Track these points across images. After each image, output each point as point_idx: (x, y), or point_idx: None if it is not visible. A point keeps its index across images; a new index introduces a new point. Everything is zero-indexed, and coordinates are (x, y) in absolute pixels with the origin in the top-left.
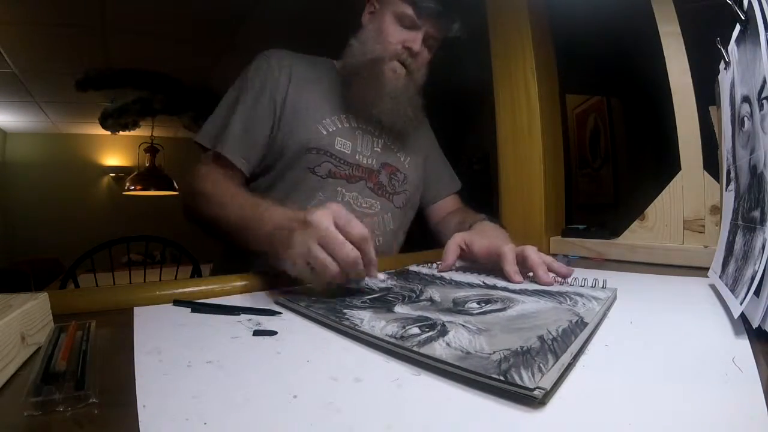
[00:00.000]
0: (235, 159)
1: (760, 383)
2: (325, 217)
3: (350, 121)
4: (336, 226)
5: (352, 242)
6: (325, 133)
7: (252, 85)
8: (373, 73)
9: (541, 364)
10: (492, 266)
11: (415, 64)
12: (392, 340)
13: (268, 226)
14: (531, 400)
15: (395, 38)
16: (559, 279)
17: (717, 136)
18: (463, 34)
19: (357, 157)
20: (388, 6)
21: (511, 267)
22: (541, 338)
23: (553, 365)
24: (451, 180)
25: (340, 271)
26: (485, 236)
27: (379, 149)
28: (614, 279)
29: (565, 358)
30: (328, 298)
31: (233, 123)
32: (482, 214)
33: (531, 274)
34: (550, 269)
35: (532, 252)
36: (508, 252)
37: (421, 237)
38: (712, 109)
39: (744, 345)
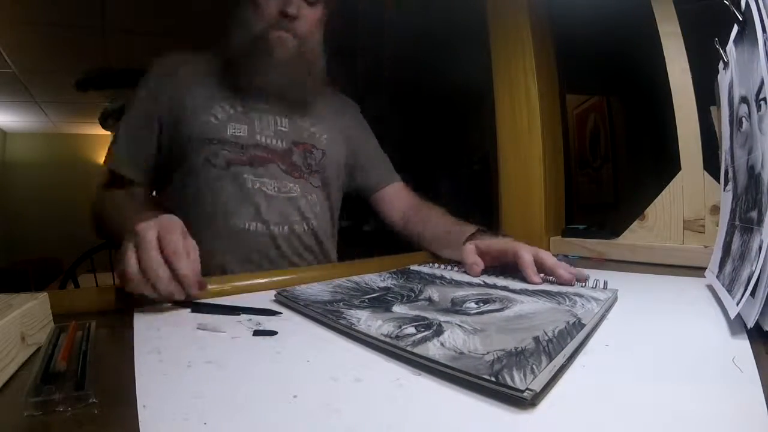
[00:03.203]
0: (124, 170)
1: (760, 383)
2: (149, 227)
3: (243, 104)
4: (159, 236)
5: (163, 254)
6: (216, 122)
7: (139, 93)
8: (259, 49)
9: (534, 366)
10: (504, 267)
11: (300, 27)
12: (387, 340)
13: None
14: (522, 401)
15: (269, 8)
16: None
17: (717, 136)
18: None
19: (257, 138)
20: None
21: (530, 269)
22: (536, 339)
23: (545, 366)
24: (389, 169)
25: (144, 282)
26: (495, 240)
27: (284, 128)
28: (614, 279)
29: (558, 360)
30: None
31: (121, 132)
32: (471, 225)
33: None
34: (551, 272)
35: (546, 256)
36: (526, 254)
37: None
38: (713, 109)
39: (744, 345)
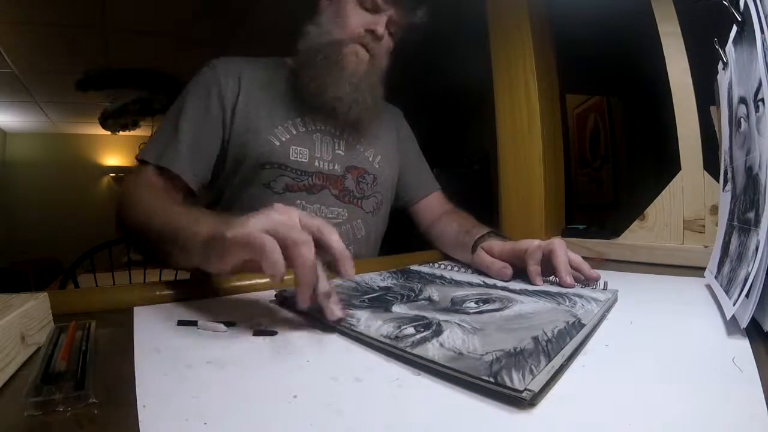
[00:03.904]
0: (184, 173)
1: (760, 383)
2: (293, 210)
3: (306, 124)
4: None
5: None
6: (278, 143)
7: (198, 95)
8: (331, 57)
9: (533, 366)
10: (515, 268)
11: (378, 48)
12: (386, 341)
13: (201, 229)
14: (521, 401)
15: (356, 21)
16: (583, 281)
17: (717, 136)
18: (427, 20)
19: (316, 163)
20: None
21: (534, 267)
22: (535, 339)
23: (544, 367)
24: (431, 179)
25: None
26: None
27: (341, 151)
28: (614, 279)
29: (557, 360)
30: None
31: (181, 134)
32: (486, 227)
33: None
34: (576, 268)
35: (558, 248)
36: (536, 251)
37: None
38: (713, 109)
39: (743, 345)
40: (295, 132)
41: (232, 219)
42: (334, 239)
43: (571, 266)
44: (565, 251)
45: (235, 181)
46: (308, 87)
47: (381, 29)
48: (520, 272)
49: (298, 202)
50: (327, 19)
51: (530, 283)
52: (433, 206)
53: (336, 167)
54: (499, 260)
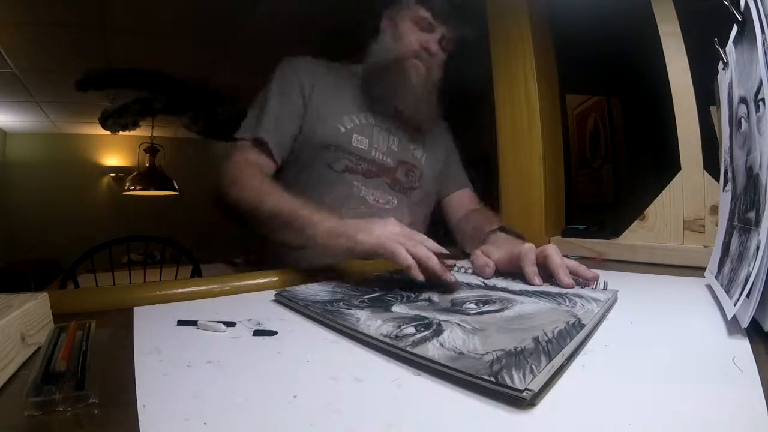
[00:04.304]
0: (272, 142)
1: (760, 383)
2: (397, 225)
3: (368, 118)
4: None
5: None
6: (343, 130)
7: (281, 85)
8: (398, 70)
9: (533, 366)
10: (513, 271)
11: (432, 63)
12: (386, 340)
13: (318, 224)
14: (521, 401)
15: (414, 40)
16: (582, 283)
17: (717, 136)
18: (473, 34)
19: (373, 153)
20: (406, 11)
21: (530, 268)
22: (536, 339)
23: (545, 367)
24: (462, 177)
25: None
26: (501, 246)
27: (395, 147)
28: (614, 279)
29: (557, 360)
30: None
31: (266, 114)
32: (497, 223)
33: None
34: (574, 273)
35: (553, 253)
36: (529, 252)
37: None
38: (713, 109)
39: (743, 345)
40: (358, 123)
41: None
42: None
43: (569, 272)
44: (559, 254)
45: (299, 162)
46: (377, 94)
47: (434, 47)
48: (520, 276)
49: (356, 183)
50: (387, 37)
51: (529, 284)
52: (464, 202)
53: (389, 160)
54: (491, 262)
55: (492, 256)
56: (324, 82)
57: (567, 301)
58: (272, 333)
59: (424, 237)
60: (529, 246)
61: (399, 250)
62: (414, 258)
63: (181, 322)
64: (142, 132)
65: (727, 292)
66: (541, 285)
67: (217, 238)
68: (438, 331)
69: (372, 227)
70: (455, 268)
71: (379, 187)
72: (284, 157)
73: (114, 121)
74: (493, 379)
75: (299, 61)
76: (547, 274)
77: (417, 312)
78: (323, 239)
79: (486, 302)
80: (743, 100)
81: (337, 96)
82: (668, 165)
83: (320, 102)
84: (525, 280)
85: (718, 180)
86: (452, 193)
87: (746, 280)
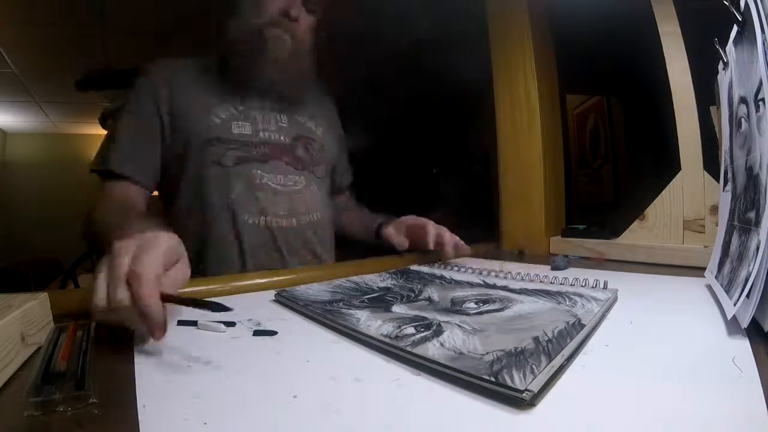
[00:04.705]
0: (128, 171)
1: (760, 383)
2: (127, 244)
3: (243, 103)
4: (134, 257)
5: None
6: (218, 121)
7: (130, 101)
8: (254, 44)
9: (533, 366)
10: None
11: (297, 30)
12: (387, 340)
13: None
14: (521, 401)
15: (272, 6)
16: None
17: (717, 136)
18: None
19: (261, 134)
20: None
21: (431, 238)
22: (536, 339)
23: (545, 367)
24: (347, 176)
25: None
26: (399, 227)
27: (284, 123)
28: (614, 279)
29: (557, 361)
30: (336, 300)
31: (118, 139)
32: (380, 216)
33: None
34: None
35: (444, 230)
36: (431, 227)
37: None
38: (713, 109)
39: (743, 345)
40: (234, 111)
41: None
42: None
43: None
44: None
45: (186, 172)
46: (238, 75)
47: (296, 11)
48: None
49: (255, 171)
50: (242, 8)
51: (531, 282)
52: (342, 198)
53: (282, 138)
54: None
55: (395, 226)
56: (186, 80)
57: (567, 300)
58: (272, 333)
59: (139, 260)
60: (429, 221)
61: (98, 270)
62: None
63: (181, 322)
64: None
65: (727, 292)
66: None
67: None
68: (438, 332)
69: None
70: (455, 268)
71: (280, 170)
72: (149, 178)
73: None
74: (493, 379)
75: (154, 67)
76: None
77: (417, 312)
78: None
79: (486, 301)
80: (743, 100)
81: (202, 92)
82: (668, 165)
83: (184, 102)
84: (525, 279)
85: (718, 180)
86: (342, 188)
87: (746, 280)
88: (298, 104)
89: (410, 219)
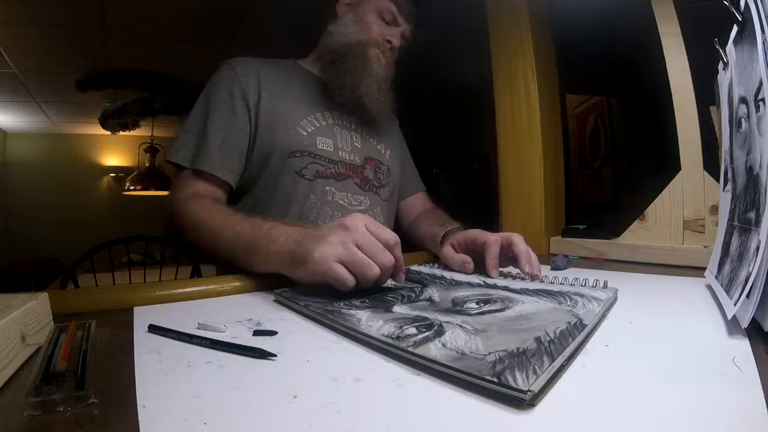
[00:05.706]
0: (219, 172)
1: (760, 383)
2: (360, 221)
3: (327, 118)
4: (367, 230)
5: (385, 247)
6: (305, 134)
7: (221, 96)
8: (357, 55)
9: (536, 366)
10: (475, 257)
11: (391, 57)
12: (388, 340)
13: (281, 242)
14: (520, 401)
15: (376, 30)
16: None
17: (717, 136)
18: (429, 36)
19: (340, 153)
20: (372, 0)
21: (492, 260)
22: (538, 339)
23: (548, 367)
24: (418, 179)
25: (380, 273)
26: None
27: (358, 144)
28: (614, 279)
29: (558, 361)
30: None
31: (210, 135)
32: (456, 223)
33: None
34: (530, 264)
35: (519, 240)
36: (494, 245)
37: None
38: (713, 109)
39: (743, 345)
40: (318, 125)
41: (308, 232)
42: (397, 253)
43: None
44: (524, 242)
45: (264, 174)
46: (337, 82)
47: (397, 41)
48: (478, 265)
49: (328, 188)
50: (348, 22)
51: (531, 282)
52: (417, 204)
53: (355, 158)
54: (461, 254)
55: (456, 240)
56: (273, 84)
57: (568, 300)
58: (272, 333)
59: (379, 230)
60: (495, 239)
61: (342, 281)
62: (363, 274)
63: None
64: (142, 132)
65: (727, 292)
66: (497, 278)
67: None
68: (440, 332)
69: (326, 242)
70: (447, 267)
71: (350, 189)
72: (236, 179)
73: (114, 121)
74: (495, 379)
75: (240, 64)
76: (507, 261)
77: (418, 312)
78: (284, 265)
79: (487, 301)
80: (743, 100)
81: (290, 97)
82: (668, 165)
83: (273, 108)
84: (525, 278)
85: (718, 180)
86: (409, 196)
87: (746, 280)
88: (374, 124)
89: (469, 235)
